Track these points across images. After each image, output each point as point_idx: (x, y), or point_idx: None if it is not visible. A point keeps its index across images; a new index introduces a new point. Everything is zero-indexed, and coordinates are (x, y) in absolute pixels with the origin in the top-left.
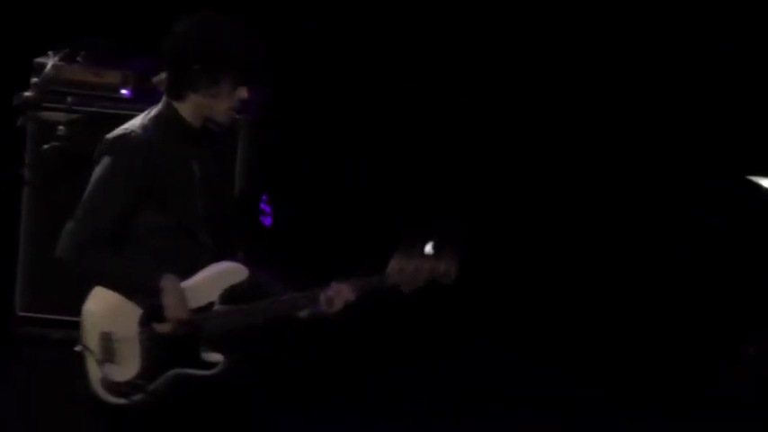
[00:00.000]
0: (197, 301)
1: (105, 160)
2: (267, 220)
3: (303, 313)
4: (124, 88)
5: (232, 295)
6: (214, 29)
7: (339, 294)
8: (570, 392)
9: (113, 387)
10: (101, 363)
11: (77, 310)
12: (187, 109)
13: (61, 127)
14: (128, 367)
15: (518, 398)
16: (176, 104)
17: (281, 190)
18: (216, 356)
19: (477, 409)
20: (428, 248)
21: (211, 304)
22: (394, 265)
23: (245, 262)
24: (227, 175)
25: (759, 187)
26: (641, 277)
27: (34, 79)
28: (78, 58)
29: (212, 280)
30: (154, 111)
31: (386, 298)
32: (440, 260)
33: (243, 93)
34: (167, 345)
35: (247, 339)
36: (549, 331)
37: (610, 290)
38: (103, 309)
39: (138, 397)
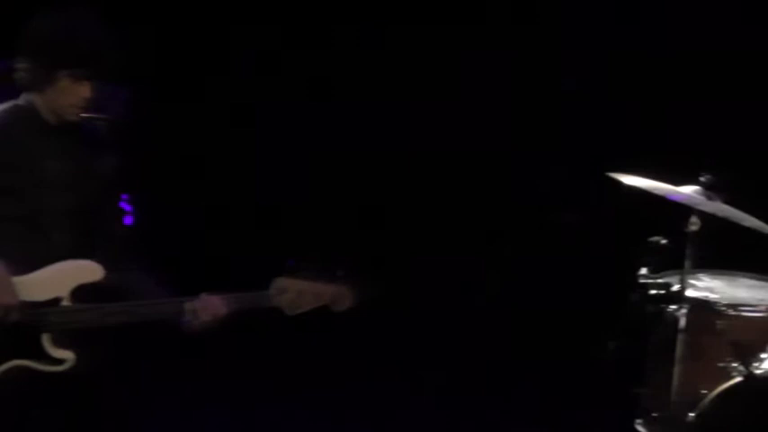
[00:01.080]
0: (37, 294)
1: None
2: (128, 220)
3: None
4: None
5: (89, 293)
6: (53, 25)
7: (207, 306)
8: None
9: None
10: None
11: None
12: (40, 104)
13: None
14: None
15: None
16: (34, 99)
17: (143, 189)
18: (65, 353)
19: None
20: (318, 273)
21: (57, 300)
22: (277, 284)
23: (109, 261)
24: (95, 173)
25: (620, 183)
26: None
27: None
28: None
29: (57, 276)
30: (13, 102)
31: None
32: (328, 286)
33: (85, 90)
34: (7, 334)
35: (102, 339)
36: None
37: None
38: None
39: None
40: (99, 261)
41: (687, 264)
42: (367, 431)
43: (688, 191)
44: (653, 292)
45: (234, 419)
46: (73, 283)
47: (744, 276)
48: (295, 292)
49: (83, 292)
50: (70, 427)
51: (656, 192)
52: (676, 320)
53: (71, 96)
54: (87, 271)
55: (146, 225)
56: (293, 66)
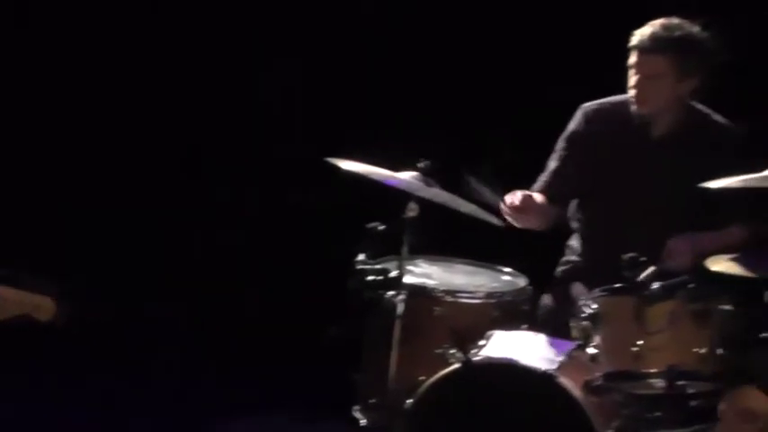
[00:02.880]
0: None
1: None
2: None
3: None
4: None
5: None
6: None
7: None
8: None
9: None
10: None
11: None
12: None
13: None
14: None
15: None
16: None
17: None
18: None
19: None
20: (25, 282)
21: None
22: None
23: None
24: None
25: (337, 168)
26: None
27: None
28: None
29: None
30: None
31: None
32: (34, 296)
33: None
34: None
35: None
36: None
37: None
38: None
39: None
40: None
41: (405, 250)
42: None
43: (406, 176)
44: (371, 278)
45: None
46: None
47: (461, 263)
48: (2, 296)
49: None
50: None
51: (373, 177)
52: (394, 307)
53: None
54: None
55: None
56: None
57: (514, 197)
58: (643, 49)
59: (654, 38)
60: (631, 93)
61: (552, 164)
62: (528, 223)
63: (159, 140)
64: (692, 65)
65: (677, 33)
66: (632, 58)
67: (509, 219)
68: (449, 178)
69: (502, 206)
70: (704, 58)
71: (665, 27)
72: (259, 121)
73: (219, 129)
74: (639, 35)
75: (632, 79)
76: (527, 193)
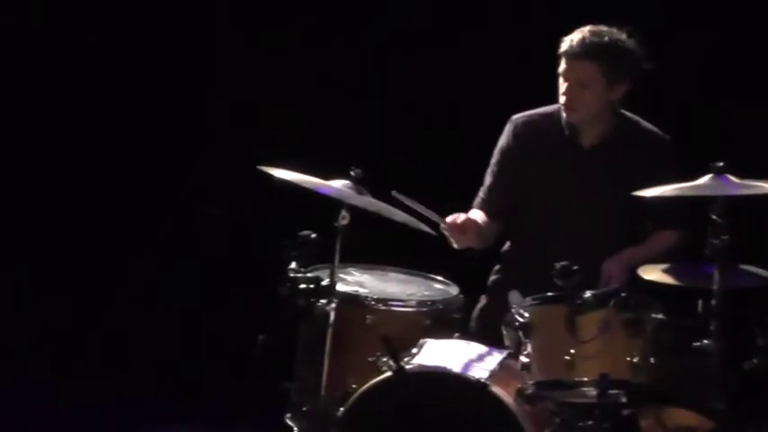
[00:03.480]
0: None
1: None
2: None
3: None
4: None
5: None
6: None
7: None
8: None
9: None
10: None
11: None
12: None
13: None
14: None
15: None
16: None
17: None
18: None
19: None
20: None
21: None
22: None
23: None
24: None
25: (270, 176)
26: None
27: None
28: None
29: None
30: None
31: None
32: None
33: None
34: None
35: None
36: None
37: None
38: None
39: None
40: None
41: (337, 258)
42: None
43: (338, 184)
44: (303, 286)
45: None
46: None
47: (394, 271)
48: None
49: None
50: None
51: (305, 185)
52: (326, 315)
53: None
54: None
55: None
56: None
57: (457, 217)
58: (573, 55)
59: (583, 44)
60: (561, 100)
61: (487, 179)
62: (468, 243)
63: (87, 148)
64: (621, 71)
65: (606, 39)
66: (561, 66)
67: (449, 239)
68: (381, 186)
69: (442, 225)
70: (633, 65)
71: (593, 33)
72: (190, 130)
73: (150, 136)
74: (568, 41)
75: (562, 86)
76: (469, 216)
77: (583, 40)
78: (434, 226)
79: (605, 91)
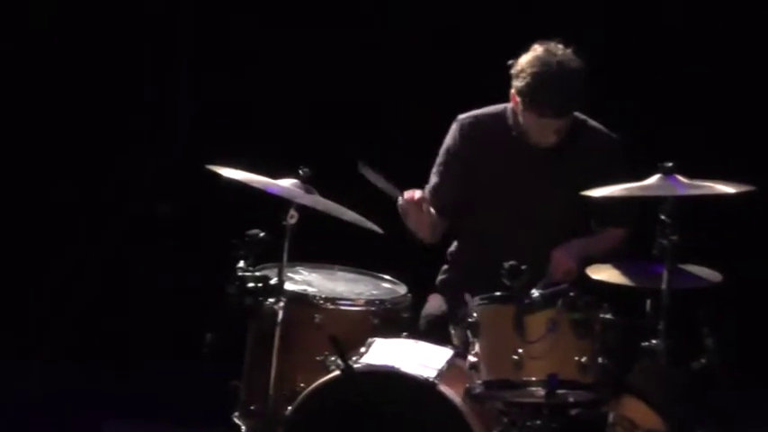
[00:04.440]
0: None
1: None
2: None
3: None
4: None
5: None
6: None
7: None
8: None
9: None
10: None
11: None
12: None
13: None
14: None
15: None
16: None
17: None
18: None
19: None
20: None
21: None
22: None
23: None
24: None
25: (218, 176)
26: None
27: None
28: None
29: None
30: None
31: None
32: None
33: None
34: None
35: None
36: None
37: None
38: None
39: None
40: None
41: (285, 257)
42: None
43: (286, 183)
44: (251, 284)
45: None
46: None
47: (342, 270)
48: None
49: None
50: None
51: (254, 184)
52: (274, 314)
53: None
54: None
55: None
56: None
57: (414, 192)
58: (562, 114)
59: (568, 102)
60: (541, 141)
61: (433, 179)
62: (421, 224)
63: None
64: (582, 97)
65: (579, 85)
66: (546, 120)
67: (403, 216)
68: (330, 185)
69: (399, 199)
70: (586, 88)
71: (566, 82)
72: (137, 128)
73: (93, 133)
74: (552, 105)
75: (551, 137)
76: (424, 194)
77: (567, 99)
78: (383, 224)
79: None
